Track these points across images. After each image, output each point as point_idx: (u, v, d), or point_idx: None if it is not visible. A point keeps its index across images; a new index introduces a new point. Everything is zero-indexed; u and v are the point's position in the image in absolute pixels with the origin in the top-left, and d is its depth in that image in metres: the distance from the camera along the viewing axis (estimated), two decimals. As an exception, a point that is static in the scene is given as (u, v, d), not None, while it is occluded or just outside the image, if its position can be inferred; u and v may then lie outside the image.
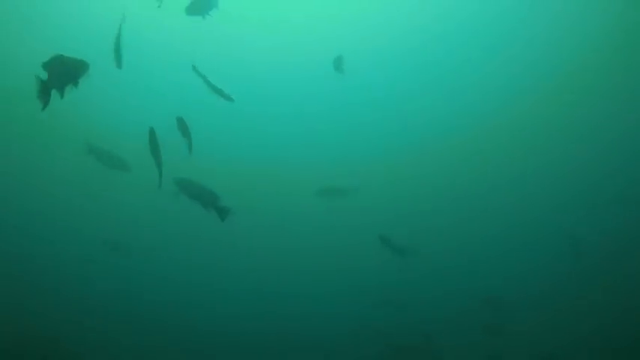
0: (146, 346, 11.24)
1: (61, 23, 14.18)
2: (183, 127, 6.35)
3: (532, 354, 11.00)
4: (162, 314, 12.65)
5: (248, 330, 12.36)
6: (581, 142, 16.19)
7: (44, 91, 4.62)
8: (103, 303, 12.36)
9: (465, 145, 17.29)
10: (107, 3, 12.69)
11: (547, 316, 12.34)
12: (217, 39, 15.79)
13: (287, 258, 14.56)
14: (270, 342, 11.95)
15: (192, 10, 7.27)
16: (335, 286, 13.94)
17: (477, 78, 17.12)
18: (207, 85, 6.96)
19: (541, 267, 14.06)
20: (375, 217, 14.46)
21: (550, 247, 13.89)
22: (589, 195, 15.15)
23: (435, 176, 16.86)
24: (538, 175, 16.36)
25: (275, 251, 14.79)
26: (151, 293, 13.17)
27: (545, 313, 12.45)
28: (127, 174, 9.93)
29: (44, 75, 4.64)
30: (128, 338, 11.31)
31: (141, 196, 13.00)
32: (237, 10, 15.16)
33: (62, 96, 4.73)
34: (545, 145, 16.56)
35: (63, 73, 4.70)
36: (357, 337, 12.01)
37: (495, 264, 14.18)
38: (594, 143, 16.05)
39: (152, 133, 5.80)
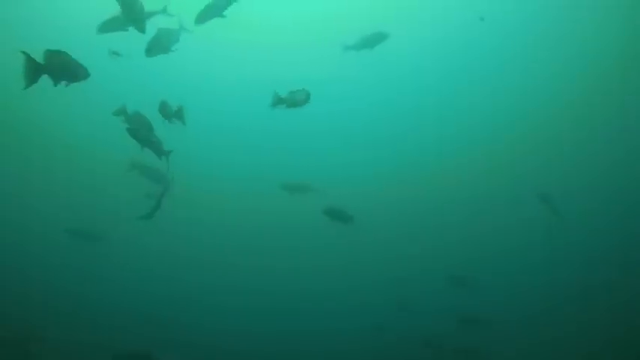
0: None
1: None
2: (165, 109, 6.09)
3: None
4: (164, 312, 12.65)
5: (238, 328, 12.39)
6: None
7: (35, 72, 4.61)
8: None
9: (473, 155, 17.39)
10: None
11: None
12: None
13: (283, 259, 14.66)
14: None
15: (153, 51, 6.51)
16: (334, 285, 14.00)
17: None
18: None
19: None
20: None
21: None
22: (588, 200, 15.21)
23: (439, 184, 16.90)
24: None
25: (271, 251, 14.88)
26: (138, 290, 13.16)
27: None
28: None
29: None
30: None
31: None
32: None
33: (55, 84, 4.76)
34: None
35: (61, 68, 4.73)
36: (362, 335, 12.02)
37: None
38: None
39: (131, 132, 5.76)
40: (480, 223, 15.74)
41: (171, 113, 6.05)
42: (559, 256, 14.20)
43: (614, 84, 15.93)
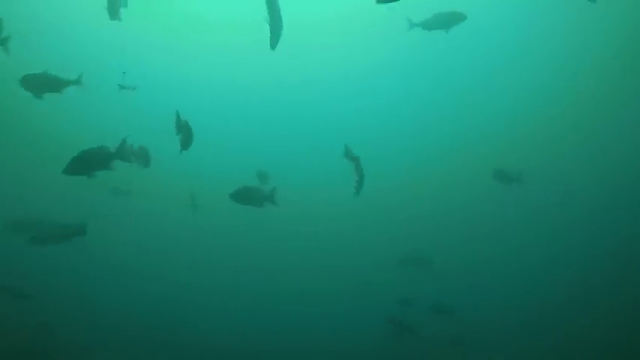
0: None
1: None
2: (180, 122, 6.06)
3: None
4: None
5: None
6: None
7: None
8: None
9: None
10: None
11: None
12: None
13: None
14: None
15: None
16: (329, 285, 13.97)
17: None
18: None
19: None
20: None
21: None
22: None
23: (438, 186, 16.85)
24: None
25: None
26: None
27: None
28: None
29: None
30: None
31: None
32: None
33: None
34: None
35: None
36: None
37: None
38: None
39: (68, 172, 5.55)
40: (480, 223, 15.72)
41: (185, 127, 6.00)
42: (561, 256, 14.18)
43: (616, 84, 15.93)
